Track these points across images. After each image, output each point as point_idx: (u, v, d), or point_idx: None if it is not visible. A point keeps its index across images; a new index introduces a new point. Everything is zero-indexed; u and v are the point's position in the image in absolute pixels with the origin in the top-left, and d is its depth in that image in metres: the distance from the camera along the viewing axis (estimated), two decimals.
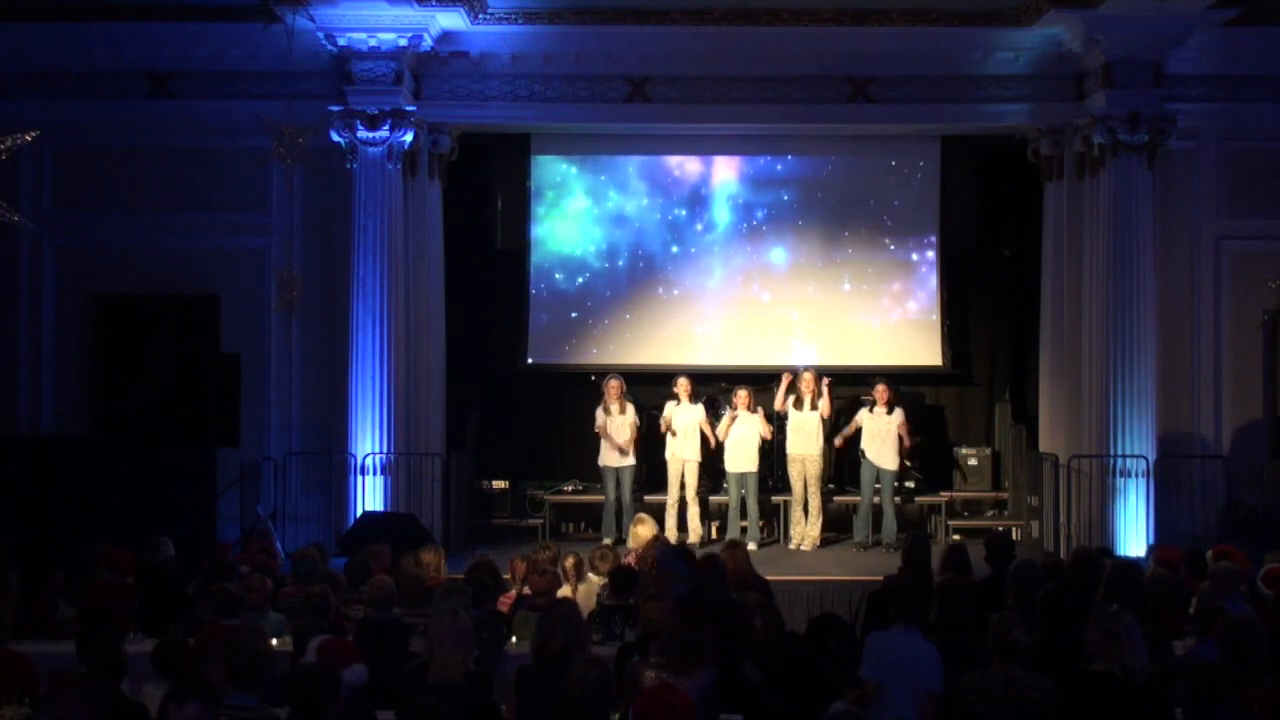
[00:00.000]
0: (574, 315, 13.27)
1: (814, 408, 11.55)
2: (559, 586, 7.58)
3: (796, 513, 11.69)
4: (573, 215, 13.29)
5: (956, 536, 11.61)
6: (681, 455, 11.62)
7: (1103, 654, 5.29)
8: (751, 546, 11.12)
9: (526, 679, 5.37)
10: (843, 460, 12.63)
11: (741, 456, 11.56)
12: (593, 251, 13.28)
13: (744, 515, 11.72)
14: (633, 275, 13.26)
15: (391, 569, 7.85)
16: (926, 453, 13.22)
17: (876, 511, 11.73)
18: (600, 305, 13.26)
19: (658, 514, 10.97)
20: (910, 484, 12.41)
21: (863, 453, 11.65)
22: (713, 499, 12.15)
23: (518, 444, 13.19)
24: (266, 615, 7.16)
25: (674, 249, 13.26)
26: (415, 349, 12.04)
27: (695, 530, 11.69)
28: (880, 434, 11.53)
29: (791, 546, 11.66)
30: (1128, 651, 5.24)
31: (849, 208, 13.19)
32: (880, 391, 11.64)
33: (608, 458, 11.69)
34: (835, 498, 12.25)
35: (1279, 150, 12.26)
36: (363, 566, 7.90)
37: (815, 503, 11.61)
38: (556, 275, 13.29)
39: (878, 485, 11.61)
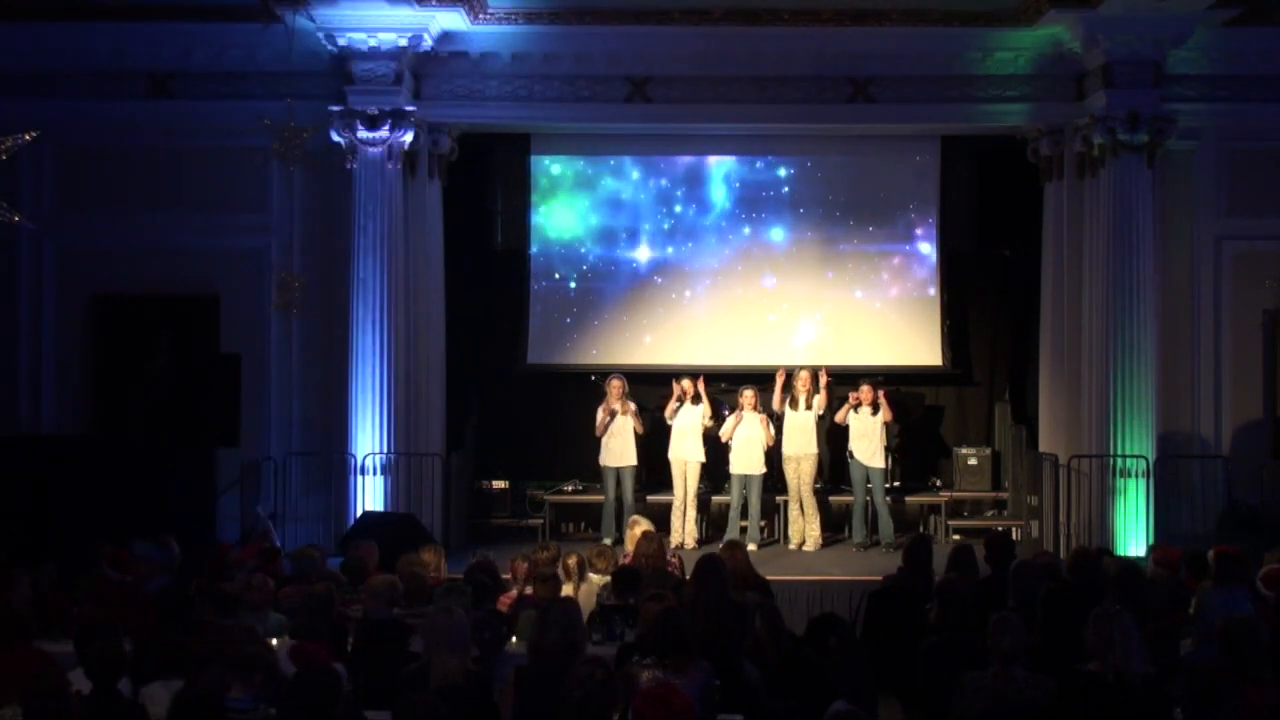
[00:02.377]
0: (574, 315, 13.27)
1: (809, 407, 11.57)
2: (559, 591, 7.58)
3: (794, 512, 11.70)
4: (572, 215, 13.29)
5: (957, 537, 11.62)
6: (683, 456, 11.61)
7: (1098, 655, 5.29)
8: (751, 547, 11.13)
9: (524, 679, 5.37)
10: (835, 460, 12.67)
11: (746, 458, 11.54)
12: (592, 251, 13.28)
13: (744, 515, 11.72)
14: (633, 275, 13.26)
15: (381, 568, 7.84)
16: (926, 452, 13.23)
17: (871, 511, 11.74)
18: (600, 305, 13.26)
19: (659, 515, 10.95)
20: (898, 483, 12.45)
21: (851, 453, 11.69)
22: (714, 498, 12.15)
23: (518, 444, 13.18)
24: (268, 615, 7.15)
25: (673, 249, 13.26)
26: (415, 349, 12.03)
27: (690, 533, 11.62)
28: (867, 434, 11.58)
29: (792, 546, 11.66)
30: (1121, 653, 5.23)
31: (848, 207, 13.18)
32: (865, 392, 11.67)
33: (608, 458, 11.69)
34: (830, 497, 12.25)
35: (1279, 150, 12.26)
36: (360, 566, 7.90)
37: (810, 502, 11.61)
38: (556, 275, 13.29)
39: (869, 484, 11.64)
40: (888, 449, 11.86)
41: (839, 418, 11.81)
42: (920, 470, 13.13)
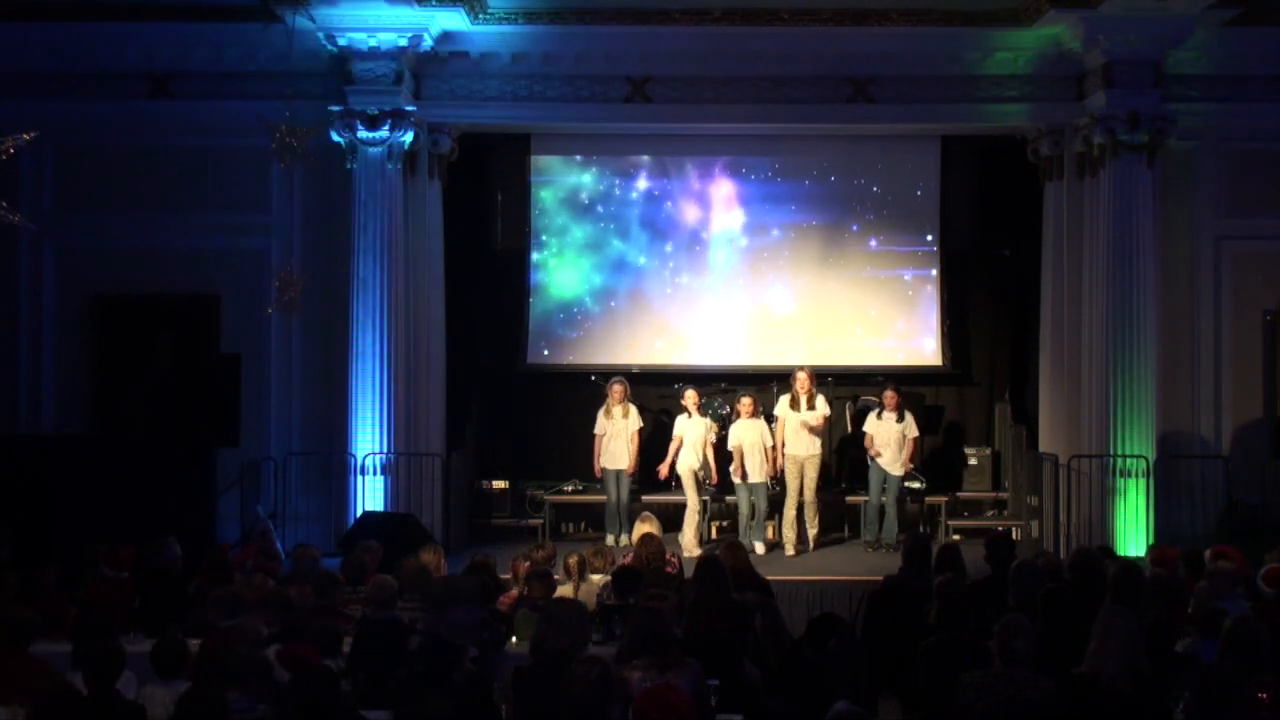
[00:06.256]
0: (574, 315, 13.27)
1: (810, 407, 11.40)
2: (554, 589, 7.58)
3: (789, 515, 11.43)
4: (573, 215, 13.28)
5: (956, 537, 11.60)
6: (690, 465, 11.48)
7: (1096, 656, 5.29)
8: (760, 549, 11.05)
9: (524, 679, 5.36)
10: (843, 461, 12.63)
11: (749, 465, 11.32)
12: (593, 251, 13.27)
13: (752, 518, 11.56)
14: (633, 275, 13.25)
15: (382, 568, 7.85)
16: (930, 453, 13.20)
17: (881, 513, 11.63)
18: (600, 305, 13.26)
19: (659, 514, 10.82)
20: (917, 485, 12.38)
21: (872, 457, 11.54)
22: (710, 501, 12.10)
23: (518, 444, 13.19)
24: None
25: (673, 248, 13.25)
26: (415, 349, 12.03)
27: (686, 536, 11.39)
28: (889, 441, 11.45)
29: (788, 553, 11.34)
30: (1110, 655, 5.23)
31: (849, 208, 13.18)
32: (889, 397, 11.56)
33: (607, 460, 11.59)
34: (848, 499, 12.18)
35: (1279, 150, 12.26)
36: (359, 566, 7.91)
37: (813, 505, 11.43)
38: (556, 275, 13.28)
39: (884, 487, 11.52)
40: (913, 461, 11.75)
41: (866, 429, 11.61)
42: (923, 470, 13.07)
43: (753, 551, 10.89)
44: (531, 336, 13.22)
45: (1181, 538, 10.76)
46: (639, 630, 5.31)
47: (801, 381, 11.45)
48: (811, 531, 11.53)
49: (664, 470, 11.67)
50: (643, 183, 13.25)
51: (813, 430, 11.36)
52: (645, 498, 12.03)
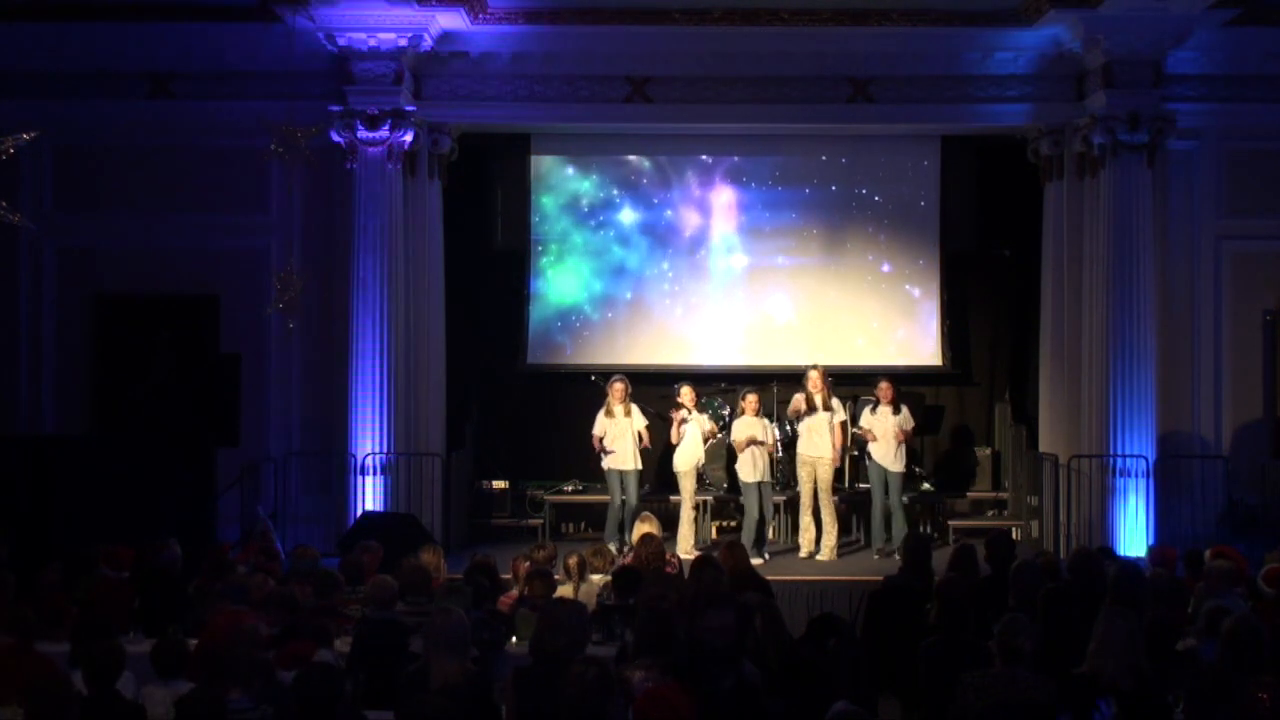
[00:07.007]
0: (574, 315, 13.27)
1: (826, 408, 11.08)
2: (555, 588, 7.58)
3: (805, 519, 11.16)
4: (573, 215, 13.29)
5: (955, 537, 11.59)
6: (698, 461, 11.37)
7: (1093, 656, 5.29)
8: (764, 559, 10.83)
9: (524, 680, 5.35)
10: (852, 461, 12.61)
11: (757, 464, 11.08)
12: (592, 251, 13.27)
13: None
14: (633, 275, 13.25)
15: (383, 568, 7.85)
16: (937, 454, 13.20)
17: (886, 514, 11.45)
18: (600, 305, 13.26)
19: (665, 516, 10.71)
20: (929, 486, 12.32)
21: (869, 455, 11.37)
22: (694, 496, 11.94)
23: (518, 444, 13.19)
24: None
25: (673, 248, 13.25)
26: (415, 349, 12.02)
27: (684, 538, 11.23)
28: (885, 435, 11.19)
29: (801, 554, 11.15)
30: (1111, 655, 5.23)
31: (849, 208, 13.19)
32: (884, 390, 11.31)
33: (613, 461, 11.34)
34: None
35: (1279, 150, 12.26)
36: (358, 566, 7.91)
37: (828, 509, 11.09)
38: (556, 275, 13.28)
39: (887, 486, 11.30)
40: (910, 461, 11.64)
41: (862, 424, 11.37)
42: (930, 470, 13.05)
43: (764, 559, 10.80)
44: (531, 344, 13.21)
45: (1181, 538, 10.75)
46: (645, 631, 5.31)
47: (813, 380, 11.14)
48: (829, 537, 11.09)
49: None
50: (643, 189, 13.24)
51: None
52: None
